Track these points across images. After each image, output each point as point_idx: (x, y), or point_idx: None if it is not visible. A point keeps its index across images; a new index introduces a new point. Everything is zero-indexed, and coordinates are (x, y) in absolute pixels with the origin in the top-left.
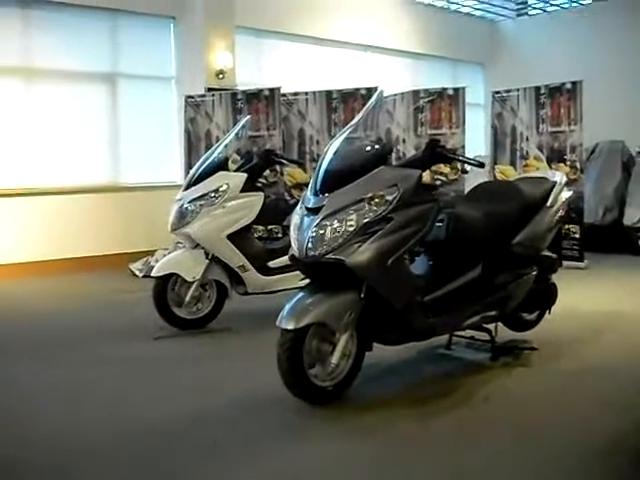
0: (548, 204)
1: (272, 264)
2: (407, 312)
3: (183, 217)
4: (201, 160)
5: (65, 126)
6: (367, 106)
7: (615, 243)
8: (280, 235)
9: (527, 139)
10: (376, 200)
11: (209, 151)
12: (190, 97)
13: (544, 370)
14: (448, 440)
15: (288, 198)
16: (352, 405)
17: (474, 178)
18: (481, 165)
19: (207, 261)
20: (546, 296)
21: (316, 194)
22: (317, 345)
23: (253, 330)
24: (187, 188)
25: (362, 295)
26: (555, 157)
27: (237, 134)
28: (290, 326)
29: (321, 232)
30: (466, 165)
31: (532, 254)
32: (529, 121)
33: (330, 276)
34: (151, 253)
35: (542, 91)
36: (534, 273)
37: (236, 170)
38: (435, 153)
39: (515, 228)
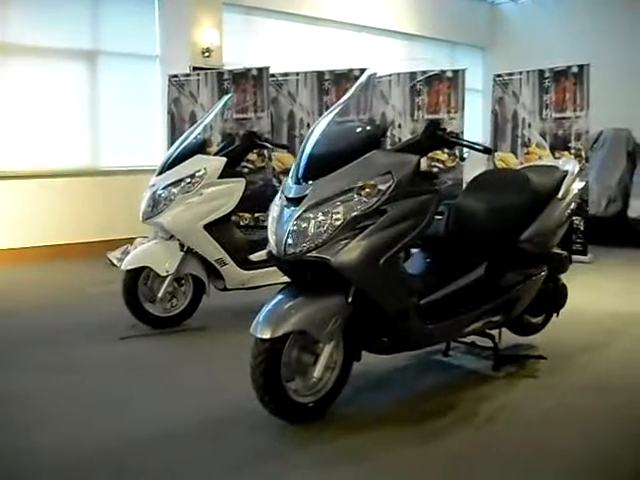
0: (559, 196)
1: (254, 257)
2: (401, 318)
3: (156, 205)
4: (177, 142)
5: (42, 106)
6: (356, 85)
7: (618, 236)
8: (267, 224)
9: (529, 125)
10: (367, 190)
11: (186, 132)
12: (174, 76)
13: (553, 384)
14: (448, 468)
15: (276, 184)
16: (336, 424)
17: (472, 166)
18: (487, 151)
19: (182, 253)
20: (555, 298)
21: (298, 182)
22: (297, 355)
23: (231, 329)
24: (161, 172)
25: (349, 299)
26: (559, 145)
27: (219, 114)
28: (266, 335)
29: (303, 226)
30: (464, 152)
31: (541, 252)
32: (532, 106)
33: (313, 276)
34: (131, 241)
35: (546, 75)
36: (544, 273)
37: (216, 154)
38: (435, 136)
39: (523, 223)
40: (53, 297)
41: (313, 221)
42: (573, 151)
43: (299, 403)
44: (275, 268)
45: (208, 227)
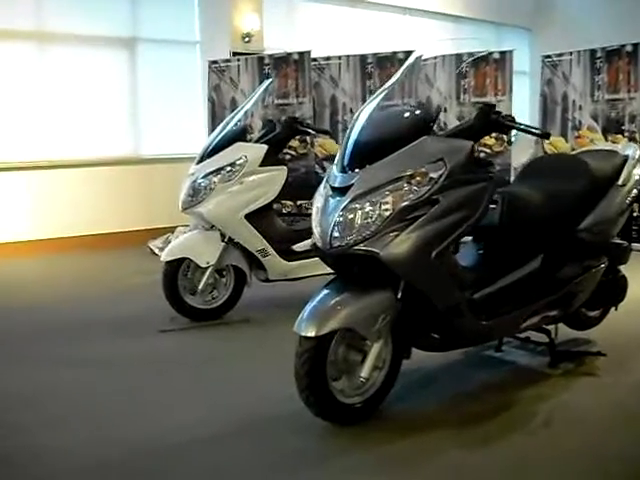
0: (620, 182)
1: (297, 247)
2: (454, 314)
3: (196, 194)
4: (217, 129)
5: (81, 95)
6: (403, 68)
7: None
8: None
9: (580, 108)
10: (418, 178)
11: (226, 119)
12: (214, 62)
13: (614, 383)
14: (507, 475)
15: (319, 171)
16: (385, 426)
17: (520, 151)
18: (546, 135)
19: (223, 244)
20: (615, 291)
21: (344, 170)
22: (343, 354)
23: (274, 322)
24: (201, 161)
25: (399, 295)
26: (612, 128)
27: (259, 100)
28: (311, 333)
29: (349, 217)
30: (512, 136)
31: (601, 242)
32: (583, 88)
33: (360, 270)
34: (172, 230)
35: (598, 55)
36: (604, 265)
37: (256, 141)
38: (490, 120)
39: (582, 211)
40: (94, 288)
41: (360, 212)
42: (627, 134)
43: (345, 404)
44: (316, 259)
45: (249, 217)
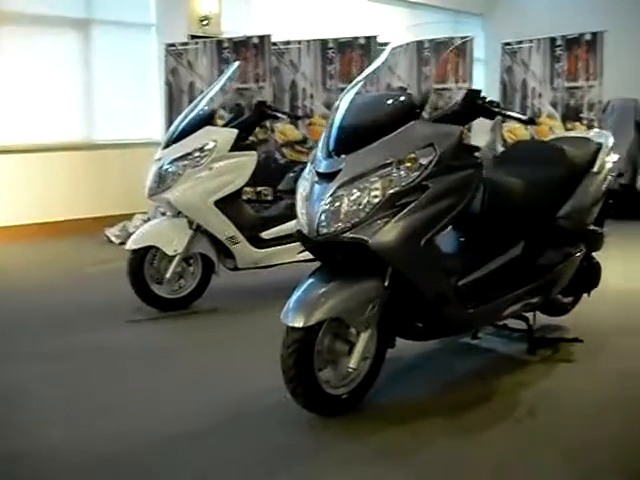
0: (595, 170)
1: (266, 235)
2: (441, 302)
3: (163, 180)
4: (183, 113)
5: (32, 77)
6: (381, 58)
7: (627, 209)
8: (270, 198)
9: (540, 95)
10: (407, 164)
11: (192, 103)
12: (171, 45)
13: (592, 369)
14: (495, 466)
15: (278, 157)
16: (369, 417)
17: (477, 136)
18: (532, 121)
19: (191, 232)
20: (589, 277)
21: (329, 155)
22: (329, 344)
23: (243, 311)
24: (167, 146)
25: (386, 283)
26: (571, 115)
27: (224, 85)
28: (299, 323)
29: (337, 204)
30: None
31: (579, 229)
32: (542, 76)
33: (345, 257)
34: (129, 217)
35: (558, 42)
36: (582, 252)
37: (224, 125)
38: (476, 106)
39: (561, 198)
40: (50, 277)
41: (348, 198)
42: (585, 122)
43: (332, 395)
44: (289, 246)
45: (218, 203)
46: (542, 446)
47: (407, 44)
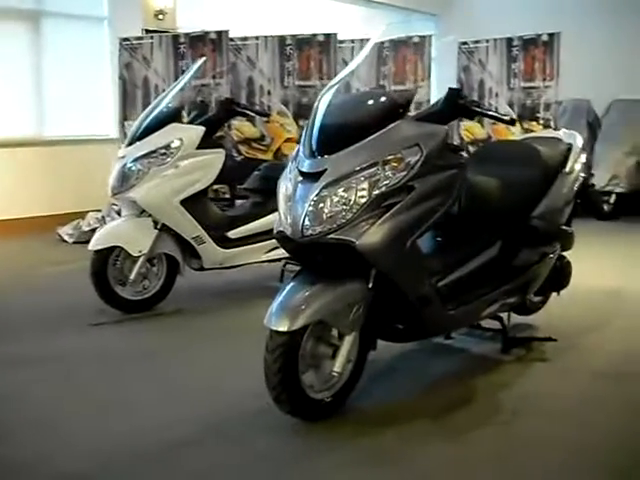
0: (567, 170)
1: (232, 234)
2: (424, 303)
3: (126, 179)
4: (147, 110)
5: None
6: (362, 55)
7: (581, 207)
8: (228, 196)
9: (497, 95)
10: (393, 164)
11: (157, 99)
12: (125, 40)
13: (567, 368)
14: (484, 470)
15: (235, 155)
16: (353, 422)
17: None
18: (512, 122)
19: (156, 231)
20: (561, 276)
21: (312, 155)
22: (312, 348)
23: (208, 311)
24: (131, 143)
25: (370, 285)
26: (527, 115)
27: (191, 80)
28: (283, 327)
29: (322, 205)
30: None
31: (553, 229)
32: (499, 75)
33: (328, 259)
34: (82, 216)
35: (515, 43)
36: (557, 252)
37: (189, 123)
38: (457, 105)
39: (536, 198)
40: (4, 278)
41: (334, 199)
42: (542, 121)
43: (315, 400)
44: (256, 246)
45: (184, 202)
46: (531, 448)
47: (361, 40)
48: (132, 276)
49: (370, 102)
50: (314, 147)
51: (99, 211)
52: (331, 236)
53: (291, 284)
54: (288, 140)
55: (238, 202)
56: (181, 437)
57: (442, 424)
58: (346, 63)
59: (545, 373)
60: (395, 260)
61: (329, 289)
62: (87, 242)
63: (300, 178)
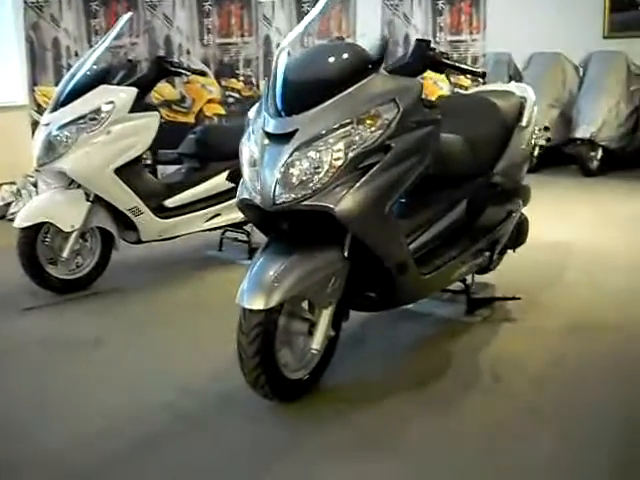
0: (523, 123)
1: (169, 203)
2: (401, 270)
3: (53, 148)
4: (71, 71)
5: None
6: (314, 11)
7: None
8: (149, 162)
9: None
10: (369, 122)
11: (80, 60)
12: None
13: (536, 327)
14: (481, 442)
15: None
16: (335, 399)
17: None
18: (483, 75)
19: (88, 204)
20: (518, 233)
21: (278, 114)
22: (285, 324)
23: (148, 287)
24: (55, 109)
25: (346, 253)
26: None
27: (118, 36)
28: (258, 305)
29: (295, 169)
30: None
31: (514, 185)
32: (424, 29)
33: (298, 228)
34: None
35: None
36: (521, 209)
37: (118, 83)
38: (426, 58)
39: (496, 154)
40: None
41: (308, 162)
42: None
43: (292, 379)
44: (194, 215)
45: (118, 171)
46: (520, 413)
47: None
48: (65, 254)
49: (338, 55)
50: (279, 106)
51: (13, 184)
52: (306, 202)
53: (261, 258)
54: (210, 101)
55: (160, 168)
56: (150, 435)
57: (424, 396)
58: (267, 19)
59: (515, 334)
60: (374, 226)
61: (304, 261)
62: (2, 217)
63: (267, 141)
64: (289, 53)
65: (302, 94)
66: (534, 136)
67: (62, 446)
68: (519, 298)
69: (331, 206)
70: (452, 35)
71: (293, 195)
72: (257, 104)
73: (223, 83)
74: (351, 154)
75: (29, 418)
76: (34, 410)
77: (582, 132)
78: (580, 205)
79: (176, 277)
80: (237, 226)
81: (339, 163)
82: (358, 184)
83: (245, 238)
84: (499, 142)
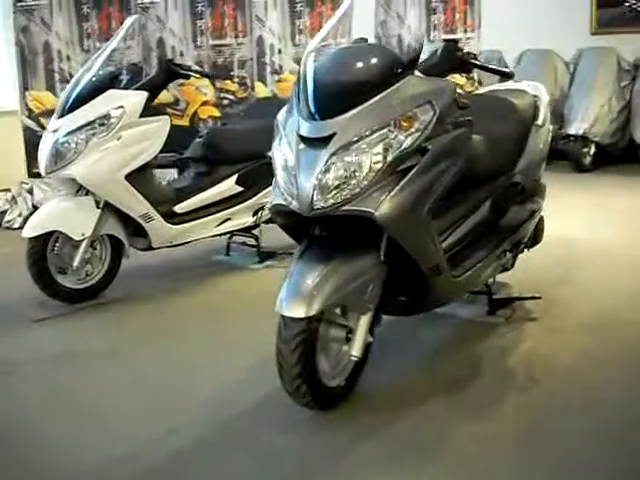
0: (539, 122)
1: (179, 209)
2: (436, 273)
3: (61, 155)
4: (77, 76)
5: None
6: (341, 11)
7: None
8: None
9: None
10: (405, 124)
11: (86, 64)
12: (20, 1)
13: (560, 326)
14: (527, 439)
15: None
16: (371, 407)
17: None
18: (510, 75)
19: (98, 211)
20: (536, 233)
21: (312, 118)
22: (324, 332)
23: (160, 296)
24: (62, 115)
25: (382, 257)
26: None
27: (125, 39)
28: (299, 313)
29: (334, 173)
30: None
31: (534, 185)
32: (417, 28)
33: (333, 232)
34: None
35: None
36: (542, 208)
37: (124, 88)
38: (454, 59)
39: (517, 153)
40: None
41: (346, 166)
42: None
43: (330, 387)
44: (205, 220)
45: (129, 177)
46: (560, 412)
47: None
48: (76, 262)
49: (371, 58)
50: (313, 109)
51: (8, 191)
52: (346, 207)
53: (299, 265)
54: (204, 104)
55: (157, 171)
56: (175, 450)
57: (459, 399)
58: (260, 20)
59: (540, 333)
60: (413, 229)
61: (342, 267)
62: None
63: (302, 145)
64: (315, 57)
65: (336, 97)
66: (550, 135)
67: (91, 461)
68: (539, 297)
69: (371, 211)
70: (446, 34)
71: (332, 200)
72: (285, 107)
73: (217, 85)
74: (390, 157)
75: (56, 433)
76: (60, 424)
77: (575, 128)
78: (577, 201)
79: (186, 284)
80: (246, 230)
81: (378, 167)
82: (397, 188)
83: (254, 242)
84: (519, 141)
